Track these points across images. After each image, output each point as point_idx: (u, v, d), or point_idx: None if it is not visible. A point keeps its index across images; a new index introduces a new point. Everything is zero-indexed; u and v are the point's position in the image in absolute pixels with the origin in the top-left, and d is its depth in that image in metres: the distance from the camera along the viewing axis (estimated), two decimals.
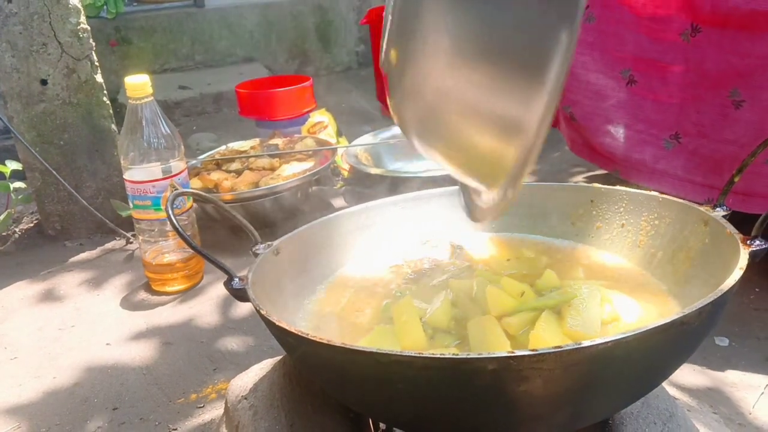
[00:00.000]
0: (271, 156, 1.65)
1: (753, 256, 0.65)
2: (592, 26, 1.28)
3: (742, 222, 0.70)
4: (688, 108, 1.21)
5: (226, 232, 1.52)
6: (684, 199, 1.21)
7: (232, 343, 1.19)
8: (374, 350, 0.54)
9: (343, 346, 0.56)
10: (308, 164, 1.63)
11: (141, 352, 1.18)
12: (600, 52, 1.29)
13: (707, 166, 1.21)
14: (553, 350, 0.52)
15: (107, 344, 1.22)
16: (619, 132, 1.30)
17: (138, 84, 1.28)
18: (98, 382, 1.11)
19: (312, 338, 0.58)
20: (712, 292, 0.59)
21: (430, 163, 1.92)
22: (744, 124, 1.15)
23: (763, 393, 0.98)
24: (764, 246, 0.66)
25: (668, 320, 0.54)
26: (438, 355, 0.53)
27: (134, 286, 1.41)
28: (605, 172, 1.76)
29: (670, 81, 1.22)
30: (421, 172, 1.64)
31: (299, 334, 0.59)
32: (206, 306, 1.31)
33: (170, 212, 0.72)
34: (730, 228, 0.70)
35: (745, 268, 0.62)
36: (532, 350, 0.52)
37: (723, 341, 1.09)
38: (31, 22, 1.51)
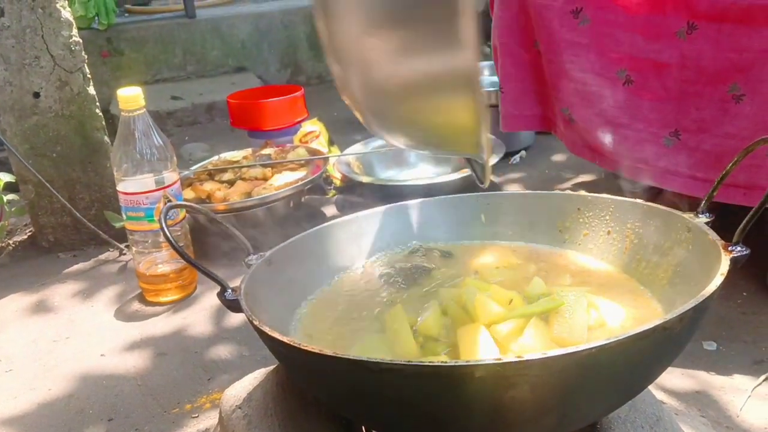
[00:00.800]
0: (264, 166, 1.66)
1: (734, 262, 0.67)
2: (586, 28, 1.28)
3: (732, 225, 0.71)
4: (687, 105, 1.21)
5: (219, 242, 1.53)
6: (687, 195, 1.22)
7: (226, 352, 1.20)
8: (365, 359, 0.56)
9: (334, 355, 0.57)
10: (300, 174, 1.64)
11: (135, 363, 1.19)
12: (595, 54, 1.29)
13: (709, 162, 1.22)
14: (539, 357, 0.53)
15: (102, 355, 1.23)
16: (618, 132, 1.31)
17: (130, 96, 1.29)
18: (93, 393, 1.12)
19: (304, 348, 0.59)
20: (696, 295, 0.61)
21: (420, 171, 1.93)
22: (745, 118, 1.15)
23: (750, 396, 0.99)
24: (745, 252, 0.67)
25: (650, 326, 0.55)
26: (427, 363, 0.55)
27: (128, 296, 1.42)
28: (593, 178, 1.79)
29: (667, 79, 1.23)
30: (411, 181, 1.66)
31: (291, 344, 0.60)
32: (200, 316, 1.32)
33: (164, 225, 0.73)
34: (712, 235, 0.72)
35: (726, 274, 0.64)
36: (518, 357, 0.53)
37: (711, 345, 1.11)
38: (23, 35, 1.52)
